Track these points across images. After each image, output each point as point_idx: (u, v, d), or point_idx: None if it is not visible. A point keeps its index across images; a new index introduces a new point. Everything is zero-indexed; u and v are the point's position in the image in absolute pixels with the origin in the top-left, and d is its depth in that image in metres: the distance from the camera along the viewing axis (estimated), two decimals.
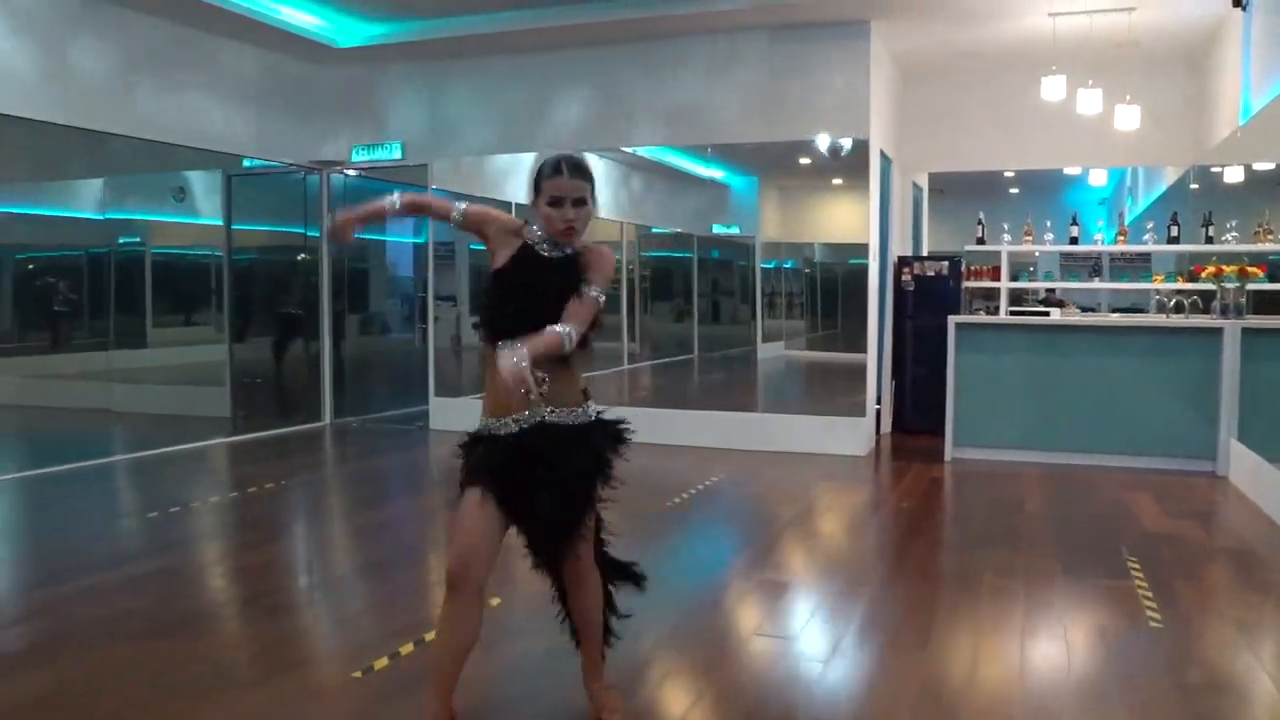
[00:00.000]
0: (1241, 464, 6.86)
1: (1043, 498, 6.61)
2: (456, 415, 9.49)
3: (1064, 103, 7.97)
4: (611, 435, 2.95)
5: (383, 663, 3.66)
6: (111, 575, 4.83)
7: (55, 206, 10.46)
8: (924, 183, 10.74)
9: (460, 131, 9.22)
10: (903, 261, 9.15)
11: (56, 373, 10.00)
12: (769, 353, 13.10)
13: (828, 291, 13.26)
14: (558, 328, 2.67)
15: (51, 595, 4.49)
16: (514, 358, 2.49)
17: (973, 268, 9.29)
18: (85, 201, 10.15)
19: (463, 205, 2.93)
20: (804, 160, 10.10)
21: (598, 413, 2.94)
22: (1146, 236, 8.76)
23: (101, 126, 7.65)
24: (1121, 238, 9.01)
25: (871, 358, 8.50)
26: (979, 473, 7.41)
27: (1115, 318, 8.33)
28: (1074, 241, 9.08)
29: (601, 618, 3.12)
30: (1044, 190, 13.32)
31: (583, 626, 3.12)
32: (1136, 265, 10.17)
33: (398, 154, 9.27)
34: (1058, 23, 7.56)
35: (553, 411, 2.82)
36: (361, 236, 10.77)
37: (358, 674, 3.56)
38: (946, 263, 8.98)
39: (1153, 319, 8.04)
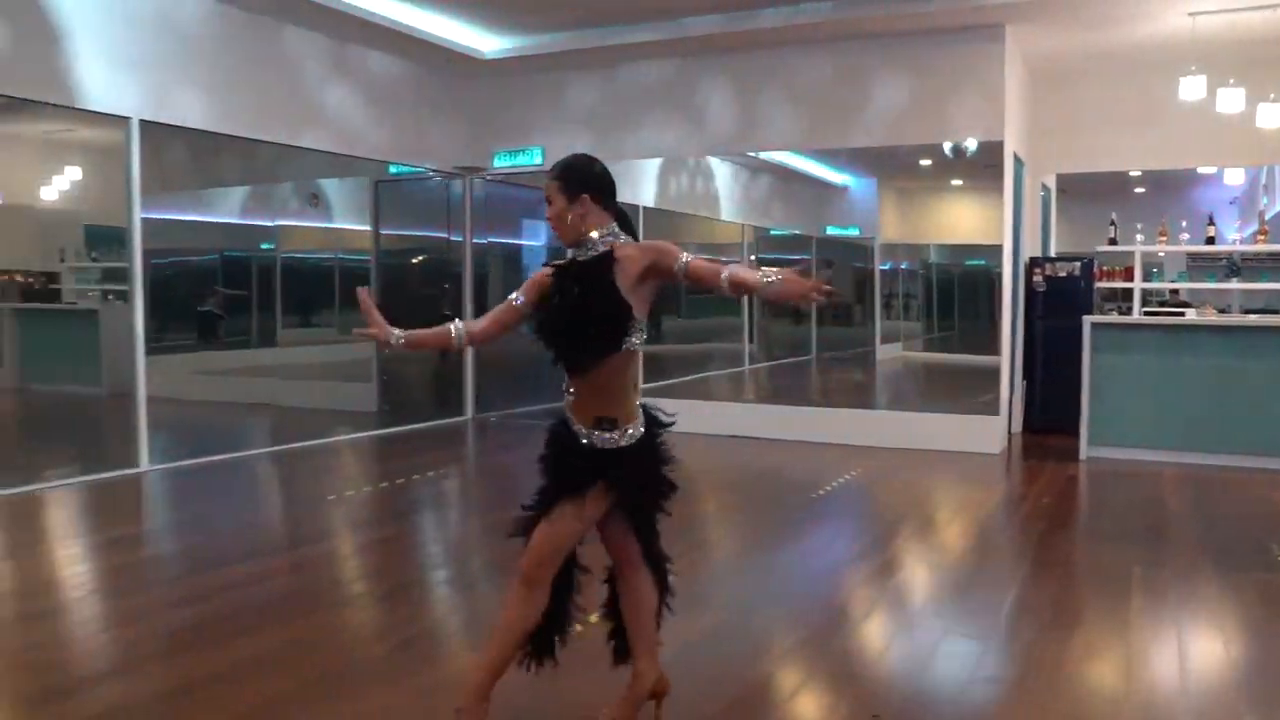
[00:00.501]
0: None
1: (1184, 496, 6.67)
2: None
3: (1202, 102, 7.96)
4: (642, 458, 2.89)
5: None
6: (320, 547, 5.29)
7: (214, 213, 11.22)
8: (1052, 184, 10.74)
9: (597, 137, 9.59)
10: (1034, 262, 9.20)
11: (230, 368, 10.77)
12: (887, 354, 13.21)
13: (944, 293, 13.32)
14: (760, 270, 2.67)
15: (269, 563, 4.96)
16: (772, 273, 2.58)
17: (1104, 268, 9.29)
18: (238, 208, 10.88)
19: (461, 325, 2.91)
20: (925, 162, 10.22)
21: (640, 432, 2.88)
22: None
23: (262, 136, 8.19)
24: (1262, 236, 8.93)
25: (1005, 358, 8.59)
26: (1115, 471, 7.47)
27: (1254, 318, 8.26)
28: (1210, 241, 9.03)
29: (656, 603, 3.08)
30: (1171, 190, 13.13)
31: (647, 626, 3.07)
32: (1267, 265, 10.04)
33: (538, 159, 9.68)
34: (1197, 22, 7.57)
35: (599, 436, 2.82)
36: (497, 240, 11.32)
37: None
38: (1078, 263, 9.00)
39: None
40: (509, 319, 2.89)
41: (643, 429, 2.87)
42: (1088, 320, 7.92)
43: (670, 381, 11.84)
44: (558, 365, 2.81)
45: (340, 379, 10.88)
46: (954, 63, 8.23)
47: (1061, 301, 8.94)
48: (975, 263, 13.51)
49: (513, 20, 8.82)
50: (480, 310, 10.62)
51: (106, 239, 13.73)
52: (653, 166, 10.61)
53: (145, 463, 7.41)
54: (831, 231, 13.77)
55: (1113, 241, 9.31)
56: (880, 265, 13.09)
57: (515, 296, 2.88)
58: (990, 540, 5.81)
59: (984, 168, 9.60)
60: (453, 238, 10.44)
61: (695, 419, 9.33)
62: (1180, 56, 8.03)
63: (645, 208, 10.93)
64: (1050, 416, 8.94)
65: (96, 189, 12.86)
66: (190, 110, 7.61)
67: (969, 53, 8.14)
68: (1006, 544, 5.70)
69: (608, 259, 2.77)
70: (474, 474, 8.15)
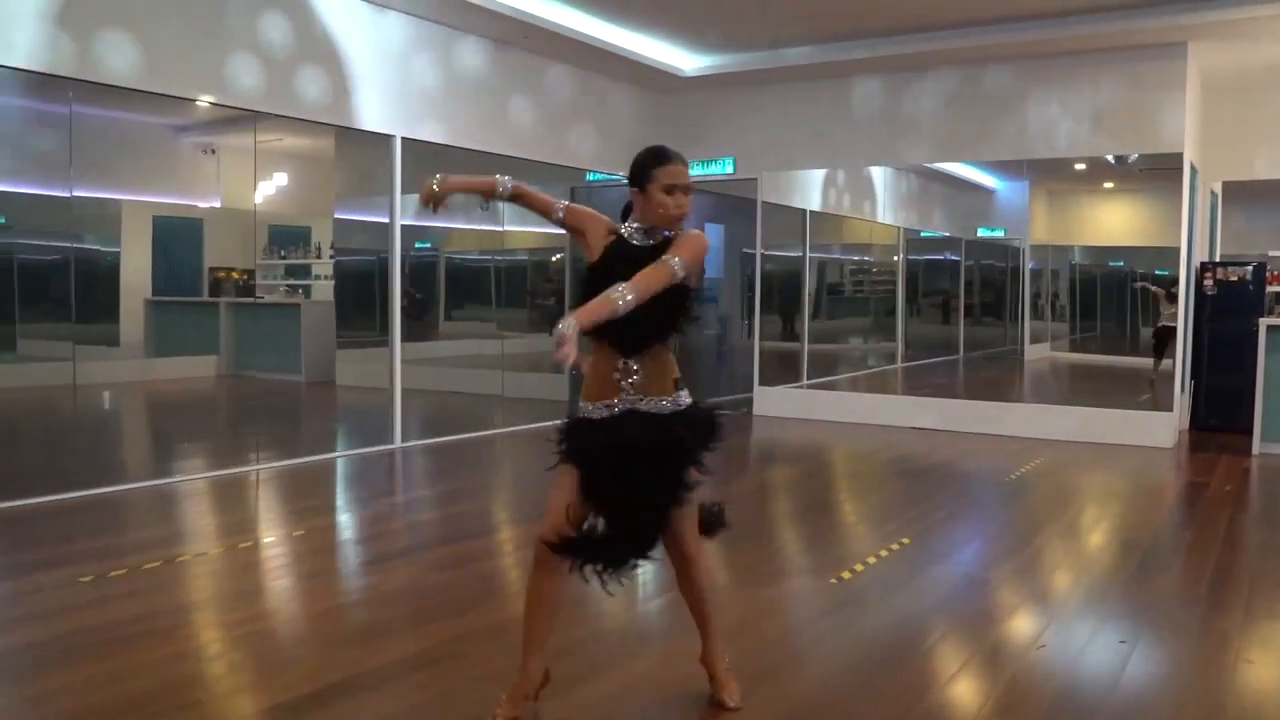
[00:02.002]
0: None
1: None
2: (776, 402, 10.61)
3: None
4: (699, 424, 3.01)
5: (847, 574, 4.74)
6: None
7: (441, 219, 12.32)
8: (1218, 190, 11.08)
9: (784, 148, 10.33)
10: (1204, 267, 9.60)
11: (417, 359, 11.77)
12: (1035, 353, 13.62)
13: (1087, 294, 13.66)
14: (614, 289, 2.65)
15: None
16: (566, 321, 2.50)
17: (1274, 273, 9.65)
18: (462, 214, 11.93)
19: (563, 203, 3.10)
20: (1079, 166, 10.65)
21: (690, 402, 3.03)
22: None
23: (477, 146, 8.99)
24: None
25: (1179, 357, 9.06)
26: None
27: None
28: None
29: (714, 599, 3.23)
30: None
31: (694, 608, 3.19)
32: None
33: (729, 168, 10.44)
34: None
35: (644, 400, 2.93)
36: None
37: (833, 580, 4.65)
38: (1249, 268, 9.39)
39: None
40: (545, 209, 3.13)
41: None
42: (1264, 322, 8.35)
43: (833, 377, 12.50)
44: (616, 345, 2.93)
45: (530, 369, 11.79)
46: (1137, 78, 8.72)
47: (1231, 305, 9.34)
48: (1117, 264, 13.87)
49: (712, 42, 9.60)
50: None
51: (291, 238, 14.99)
52: (818, 173, 11.28)
53: (399, 440, 8.36)
54: (982, 233, 14.23)
55: None
56: (1029, 266, 13.49)
57: (560, 207, 3.11)
58: (1182, 520, 6.37)
59: (1139, 171, 10.07)
60: None
61: (874, 411, 10.05)
62: None
63: (811, 211, 11.63)
64: (1217, 415, 9.33)
65: (288, 194, 14.07)
66: (435, 129, 8.53)
67: (1152, 69, 8.62)
68: (1200, 522, 6.23)
69: (667, 246, 2.95)
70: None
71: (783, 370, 11.43)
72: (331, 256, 14.06)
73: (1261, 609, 4.42)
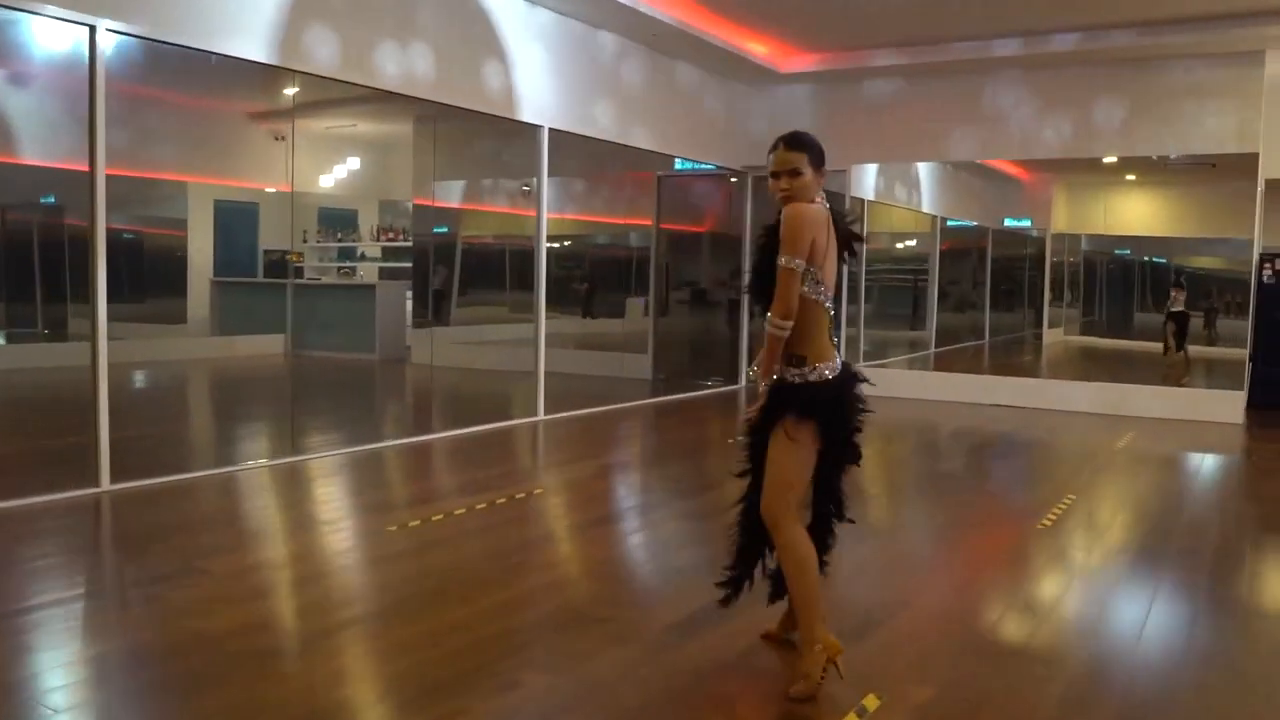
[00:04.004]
0: None
1: None
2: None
3: None
4: (786, 400, 3.30)
5: (1045, 523, 5.41)
6: None
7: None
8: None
9: (870, 143, 10.98)
10: (1264, 258, 10.38)
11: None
12: (1052, 338, 14.46)
13: (1096, 281, 14.50)
14: (767, 326, 3.20)
15: None
16: (750, 372, 3.51)
17: None
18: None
19: (798, 261, 3.19)
20: (1109, 159, 11.37)
21: (799, 379, 3.28)
22: None
23: (597, 135, 9.41)
24: None
25: (1249, 341, 9.89)
26: None
27: None
28: None
29: (784, 573, 3.44)
30: None
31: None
32: None
33: None
34: None
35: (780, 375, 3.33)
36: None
37: (1043, 524, 5.31)
38: None
39: None
40: (800, 285, 3.25)
41: (832, 374, 3.30)
42: None
43: (884, 362, 13.17)
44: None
45: (619, 350, 12.36)
46: (1216, 81, 9.46)
47: None
48: (1123, 252, 14.70)
49: (808, 41, 10.23)
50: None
51: (340, 220, 15.40)
52: (873, 166, 11.93)
53: (541, 413, 8.90)
54: (1009, 224, 14.99)
55: None
56: (1051, 256, 14.29)
57: (798, 264, 3.21)
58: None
59: (1167, 166, 10.82)
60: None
61: (945, 388, 10.74)
62: None
63: (869, 201, 12.29)
64: (1273, 395, 10.11)
65: (360, 178, 14.50)
66: (565, 117, 9.03)
67: (1231, 75, 9.36)
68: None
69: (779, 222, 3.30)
70: None
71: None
72: (391, 239, 14.53)
73: None
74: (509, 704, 3.16)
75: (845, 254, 3.47)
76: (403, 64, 7.38)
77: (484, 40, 8.07)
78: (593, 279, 12.99)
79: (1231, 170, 9.89)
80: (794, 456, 3.30)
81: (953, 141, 10.82)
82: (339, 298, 13.84)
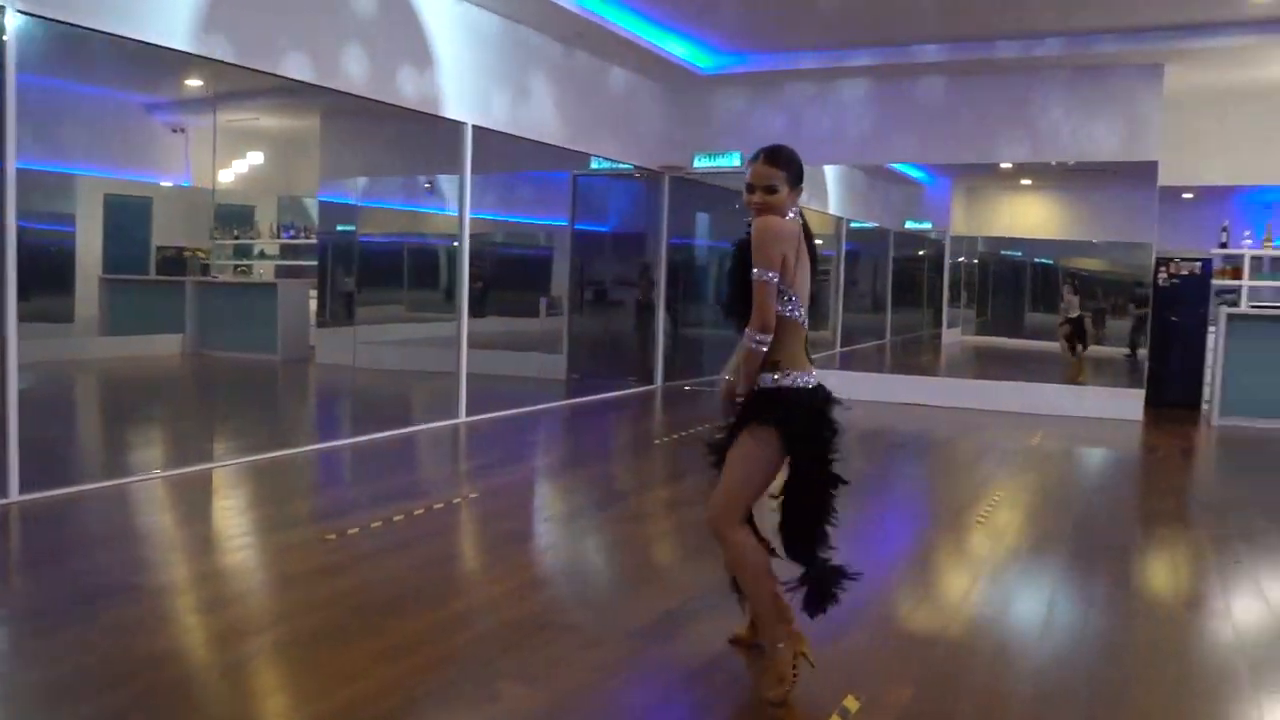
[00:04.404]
0: None
1: None
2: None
3: None
4: (756, 404, 3.24)
5: (979, 519, 5.54)
6: None
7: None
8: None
9: (793, 145, 11.06)
10: (1160, 262, 10.82)
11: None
12: (950, 338, 14.89)
13: (987, 282, 15.00)
14: (745, 340, 3.18)
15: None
16: (725, 375, 3.31)
17: (1217, 267, 10.98)
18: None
19: (770, 275, 3.15)
20: (1006, 165, 11.75)
21: (772, 385, 3.22)
22: None
23: (499, 128, 9.12)
24: None
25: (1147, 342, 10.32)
26: (1242, 433, 9.16)
27: None
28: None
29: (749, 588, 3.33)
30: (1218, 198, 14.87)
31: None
32: None
33: (737, 162, 11.13)
34: None
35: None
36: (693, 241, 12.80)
37: (979, 520, 5.43)
38: (1200, 263, 10.67)
39: None
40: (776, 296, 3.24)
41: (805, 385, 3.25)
42: (1224, 311, 9.59)
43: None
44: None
45: (532, 349, 12.22)
46: (1117, 92, 9.82)
47: (1183, 296, 10.59)
48: (1012, 254, 15.23)
49: (729, 42, 10.29)
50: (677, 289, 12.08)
51: (237, 218, 14.94)
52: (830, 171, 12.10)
53: (463, 415, 8.73)
54: (910, 225, 15.36)
55: (1223, 245, 10.98)
56: (950, 257, 14.70)
57: (772, 278, 3.18)
58: (1199, 470, 7.46)
59: (1065, 171, 11.23)
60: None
61: (855, 387, 10.89)
62: None
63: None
64: (1170, 393, 10.54)
65: (261, 173, 14.05)
66: (492, 114, 8.89)
67: (1132, 87, 9.74)
68: (1207, 470, 7.32)
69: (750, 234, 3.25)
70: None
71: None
72: (293, 237, 14.13)
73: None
74: (493, 717, 3.07)
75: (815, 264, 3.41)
76: (316, 55, 7.11)
77: (405, 34, 7.89)
78: (485, 278, 12.79)
79: (1130, 177, 10.27)
80: (753, 462, 3.23)
81: (868, 145, 11.00)
82: (239, 296, 13.38)
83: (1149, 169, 9.84)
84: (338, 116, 11.13)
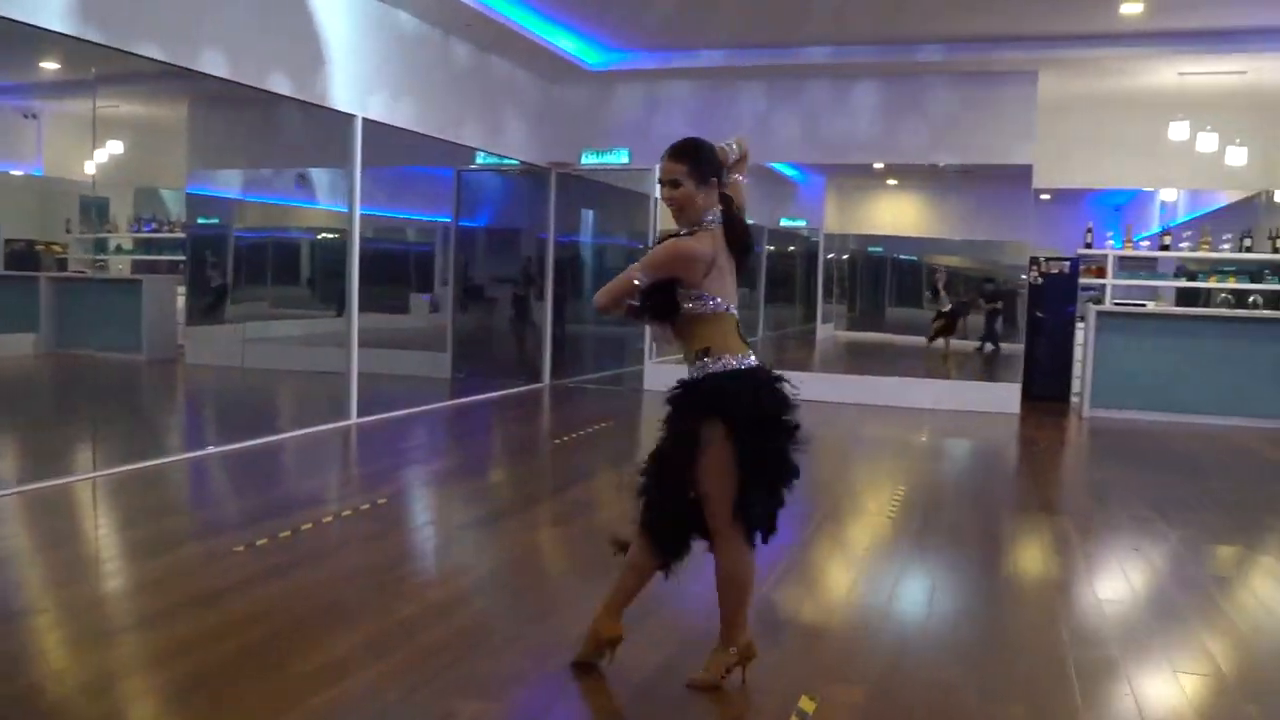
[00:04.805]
0: None
1: (1163, 437, 8.94)
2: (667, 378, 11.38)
3: (1172, 136, 10.26)
4: (690, 399, 3.19)
5: (890, 514, 5.66)
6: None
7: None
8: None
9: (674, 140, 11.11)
10: (1031, 261, 11.27)
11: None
12: (824, 333, 15.28)
13: (853, 278, 15.49)
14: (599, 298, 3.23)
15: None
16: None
17: (1084, 267, 11.52)
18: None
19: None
20: (878, 165, 12.13)
21: (706, 371, 3.17)
22: (1224, 244, 11.12)
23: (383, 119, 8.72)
24: (1205, 246, 11.31)
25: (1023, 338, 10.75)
26: (1112, 424, 9.64)
27: (1218, 310, 10.60)
28: (1165, 248, 11.40)
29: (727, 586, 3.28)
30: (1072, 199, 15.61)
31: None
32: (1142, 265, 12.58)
33: (625, 159, 11.10)
34: (1185, 80, 9.81)
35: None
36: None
37: (889, 515, 5.55)
38: (1068, 262, 11.16)
39: (1265, 312, 10.28)
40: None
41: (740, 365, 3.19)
42: (1093, 308, 10.07)
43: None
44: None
45: (413, 348, 11.94)
46: (994, 98, 10.18)
47: (1053, 293, 11.06)
48: (875, 250, 15.75)
49: (618, 38, 10.26)
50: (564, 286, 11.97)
51: (93, 210, 14.19)
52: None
53: (354, 416, 8.45)
54: (784, 223, 15.67)
55: (1088, 245, 11.53)
56: (824, 254, 15.09)
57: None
58: (1072, 461, 7.82)
59: (938, 173, 11.65)
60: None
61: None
62: (1167, 104, 10.29)
63: (656, 199, 12.51)
64: (1042, 386, 10.98)
65: (121, 163, 13.34)
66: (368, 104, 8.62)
67: (1008, 92, 10.11)
68: (1070, 451, 7.68)
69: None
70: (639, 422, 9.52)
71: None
72: (156, 230, 13.48)
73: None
74: None
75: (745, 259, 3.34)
76: (186, 38, 6.64)
77: (287, 21, 7.57)
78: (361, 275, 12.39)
79: (1002, 178, 10.68)
80: (714, 474, 3.12)
81: (754, 144, 11.10)
82: (101, 293, 12.69)
83: (1018, 171, 10.24)
84: (208, 105, 10.65)
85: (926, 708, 3.26)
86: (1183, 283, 11.39)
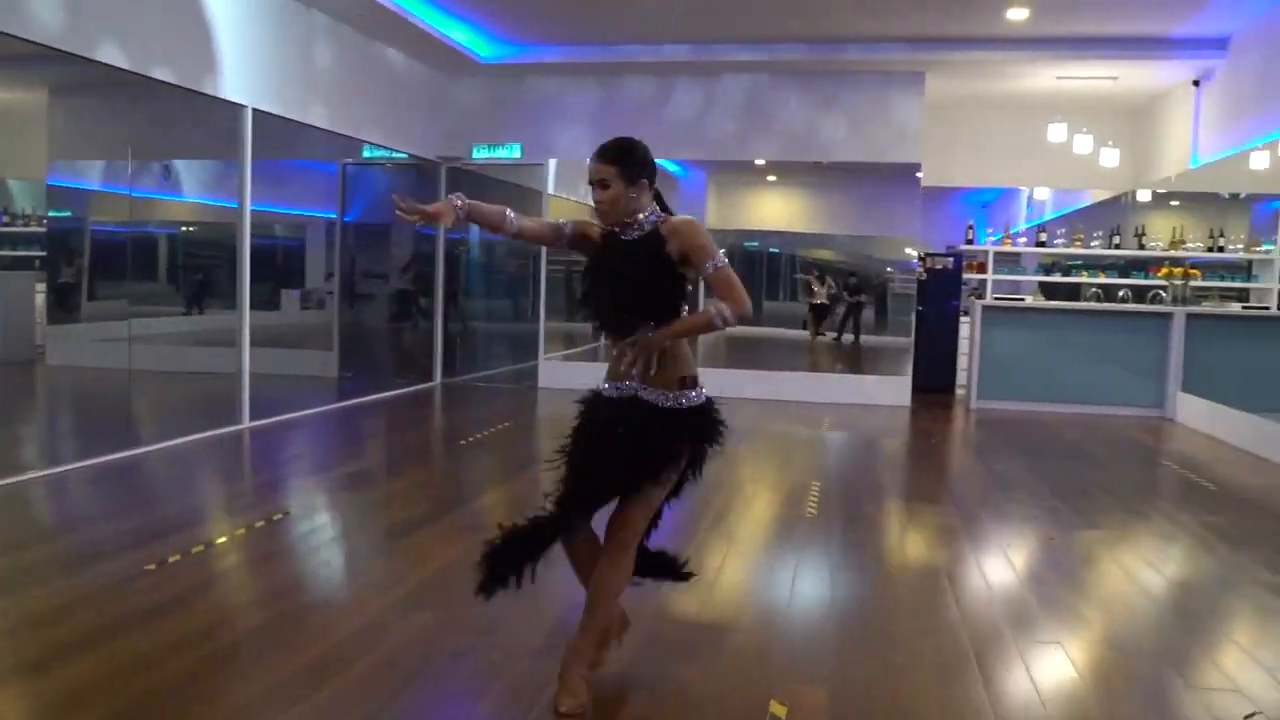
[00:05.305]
0: (1186, 408, 9.69)
1: (1048, 426, 9.30)
2: (561, 375, 11.23)
3: (1051, 138, 10.67)
4: (691, 426, 3.08)
5: (810, 511, 5.71)
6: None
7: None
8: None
9: (570, 138, 11.01)
10: (920, 257, 11.57)
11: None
12: None
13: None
14: (710, 307, 2.96)
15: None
16: (649, 334, 2.95)
17: (971, 262, 11.89)
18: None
19: (514, 217, 3.07)
20: (759, 161, 12.31)
21: (694, 403, 3.08)
22: (1095, 241, 11.63)
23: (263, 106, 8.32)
24: (1078, 242, 11.80)
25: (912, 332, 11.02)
26: (998, 415, 9.99)
27: (1095, 305, 11.05)
28: (1041, 244, 11.85)
29: (601, 599, 3.15)
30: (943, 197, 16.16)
31: (589, 602, 3.15)
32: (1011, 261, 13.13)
33: (517, 154, 10.92)
34: (1062, 84, 10.21)
35: (647, 390, 3.04)
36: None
37: (809, 513, 5.59)
38: (952, 259, 11.50)
39: (1135, 306, 10.75)
40: (549, 234, 3.19)
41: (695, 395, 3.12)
42: (978, 303, 10.39)
43: (572, 350, 13.31)
44: (603, 332, 3.18)
45: (300, 347, 11.49)
46: (882, 98, 10.40)
47: (937, 289, 11.38)
48: (751, 245, 16.03)
49: (511, 31, 10.08)
50: (455, 283, 11.71)
51: None
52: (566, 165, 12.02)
53: (247, 420, 8.08)
54: None
55: (969, 241, 11.90)
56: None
57: (565, 224, 3.15)
58: (959, 441, 8.05)
59: (815, 169, 11.89)
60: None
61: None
62: (1045, 106, 10.70)
63: (553, 196, 12.40)
64: (928, 379, 11.29)
65: None
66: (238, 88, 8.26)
67: (896, 93, 10.35)
68: (964, 442, 7.92)
69: (657, 236, 3.01)
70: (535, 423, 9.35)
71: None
72: (8, 224, 12.68)
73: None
74: None
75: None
76: (56, 18, 6.22)
77: (172, 3, 7.17)
78: (204, 270, 11.86)
79: (892, 176, 10.92)
80: (662, 486, 3.09)
81: (644, 140, 11.08)
82: None
83: (905, 168, 10.50)
84: (72, 91, 10.03)
85: (888, 697, 3.29)
86: (1058, 278, 11.85)
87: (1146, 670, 3.62)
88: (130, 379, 10.20)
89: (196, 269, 11.28)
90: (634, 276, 2.98)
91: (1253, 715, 3.24)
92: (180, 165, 11.48)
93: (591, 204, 3.12)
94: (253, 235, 8.33)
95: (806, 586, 4.54)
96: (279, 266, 12.28)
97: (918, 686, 3.42)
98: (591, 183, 3.04)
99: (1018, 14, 8.58)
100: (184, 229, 11.75)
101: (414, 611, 4.03)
